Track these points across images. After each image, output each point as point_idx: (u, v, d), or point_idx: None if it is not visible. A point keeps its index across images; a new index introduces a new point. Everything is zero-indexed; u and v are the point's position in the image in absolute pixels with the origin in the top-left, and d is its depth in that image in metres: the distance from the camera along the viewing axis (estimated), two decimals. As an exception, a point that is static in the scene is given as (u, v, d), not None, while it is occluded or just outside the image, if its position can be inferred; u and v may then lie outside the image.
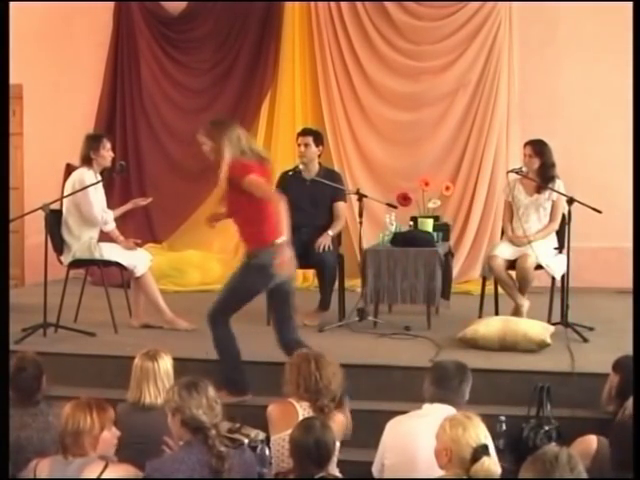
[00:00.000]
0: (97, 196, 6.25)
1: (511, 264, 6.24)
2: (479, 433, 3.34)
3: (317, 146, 6.63)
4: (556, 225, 6.32)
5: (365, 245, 6.58)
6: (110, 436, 3.62)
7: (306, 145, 6.57)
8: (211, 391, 3.69)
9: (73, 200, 6.17)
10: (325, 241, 6.38)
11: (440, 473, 3.44)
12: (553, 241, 6.37)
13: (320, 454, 3.50)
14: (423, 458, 3.69)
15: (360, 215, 6.47)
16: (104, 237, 6.38)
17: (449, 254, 6.96)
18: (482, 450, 3.29)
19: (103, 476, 3.45)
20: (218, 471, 3.50)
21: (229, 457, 3.54)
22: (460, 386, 3.99)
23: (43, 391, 4.19)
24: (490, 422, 3.63)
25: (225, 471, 3.51)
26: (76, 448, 3.53)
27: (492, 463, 3.32)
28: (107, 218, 6.27)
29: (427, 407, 3.96)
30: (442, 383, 3.97)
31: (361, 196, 6.50)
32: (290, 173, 6.61)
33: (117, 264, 6.25)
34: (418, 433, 3.79)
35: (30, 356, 4.30)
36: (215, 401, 3.67)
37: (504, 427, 4.47)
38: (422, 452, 3.71)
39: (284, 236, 4.75)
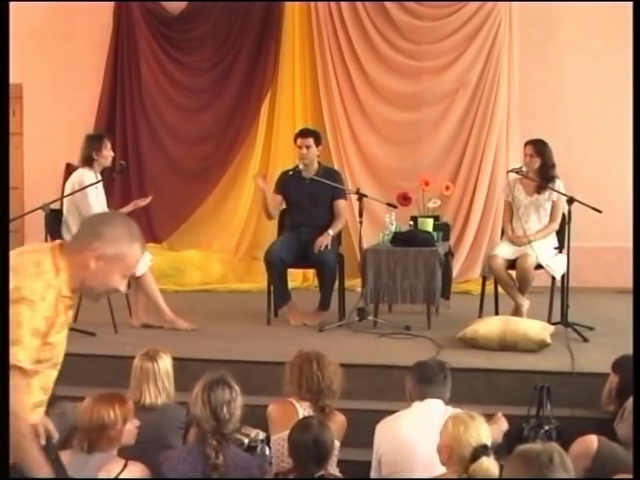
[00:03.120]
0: (97, 197, 6.25)
1: (511, 264, 6.23)
2: (480, 433, 3.34)
3: (317, 146, 6.63)
4: (556, 225, 6.32)
5: (365, 245, 6.57)
6: (132, 427, 3.67)
7: (307, 147, 6.56)
8: (227, 396, 3.67)
9: (73, 201, 6.17)
10: (325, 241, 6.37)
11: (441, 469, 3.44)
12: (553, 241, 6.37)
13: (319, 452, 3.51)
14: (420, 454, 3.70)
15: (360, 215, 6.46)
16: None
17: (449, 254, 6.96)
18: (482, 450, 3.29)
19: (122, 475, 3.47)
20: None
21: (226, 467, 3.55)
22: (445, 381, 4.01)
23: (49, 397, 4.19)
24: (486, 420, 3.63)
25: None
26: (100, 442, 3.56)
27: (491, 464, 3.32)
28: None
29: (417, 404, 3.96)
30: (428, 379, 3.99)
31: (361, 196, 6.49)
32: (290, 173, 6.60)
33: (117, 264, 6.23)
34: (413, 430, 3.80)
35: None
36: (228, 409, 3.65)
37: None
38: (418, 447, 3.72)
39: None
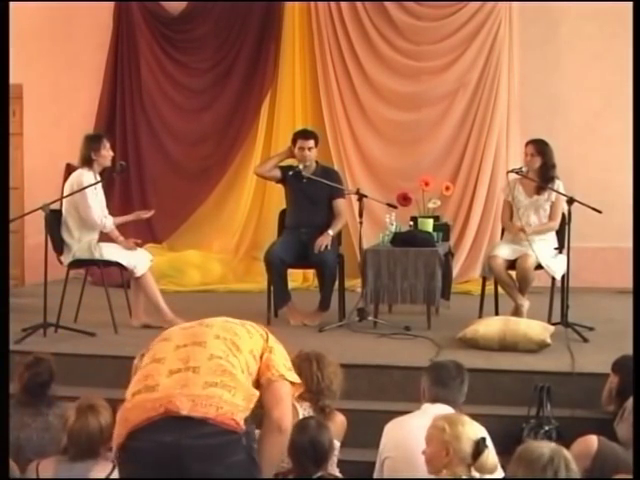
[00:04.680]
0: (97, 198, 6.25)
1: (511, 264, 6.23)
2: (475, 428, 3.37)
3: (316, 147, 6.64)
4: (556, 224, 6.30)
5: (365, 245, 6.56)
6: None
7: (309, 148, 6.55)
8: None
9: (72, 202, 6.16)
10: (325, 241, 6.37)
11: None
12: (553, 241, 6.36)
13: (316, 454, 3.50)
14: (423, 461, 3.69)
15: (360, 215, 6.46)
16: (104, 237, 6.38)
17: (449, 254, 6.96)
18: (483, 442, 3.31)
19: (112, 476, 3.45)
20: None
21: None
22: (461, 386, 3.99)
23: (49, 397, 4.21)
24: (490, 422, 3.63)
25: None
26: (85, 449, 3.53)
27: (493, 455, 3.34)
28: (106, 222, 6.24)
29: (427, 407, 3.95)
30: (444, 383, 3.96)
31: (361, 196, 6.49)
32: (290, 173, 6.59)
33: (117, 264, 6.24)
34: (420, 432, 3.77)
35: (46, 362, 4.31)
36: None
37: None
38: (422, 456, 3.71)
39: None
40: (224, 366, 3.02)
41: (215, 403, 2.90)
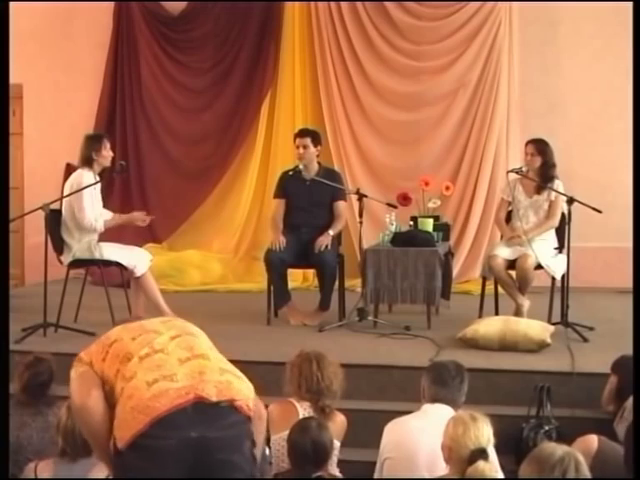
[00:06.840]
0: (94, 198, 6.24)
1: (511, 264, 6.23)
2: (479, 435, 3.28)
3: (315, 146, 6.62)
4: (554, 221, 6.29)
5: (365, 245, 6.57)
6: None
7: (305, 146, 6.56)
8: None
9: (70, 202, 6.16)
10: (325, 241, 6.37)
11: (443, 469, 3.43)
12: (553, 241, 6.36)
13: (316, 454, 3.50)
14: (424, 458, 3.69)
15: (360, 215, 6.46)
16: (104, 237, 6.38)
17: (449, 254, 6.96)
18: (479, 454, 3.23)
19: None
20: None
21: None
22: (461, 385, 3.99)
23: (49, 397, 4.21)
24: (490, 422, 3.63)
25: None
26: (82, 448, 3.52)
27: (487, 467, 3.24)
28: (97, 226, 6.20)
29: (428, 407, 3.95)
30: (444, 383, 3.96)
31: (361, 196, 6.49)
32: (290, 173, 6.61)
33: (117, 264, 6.24)
34: (420, 433, 3.78)
35: (46, 362, 4.31)
36: None
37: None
38: (423, 452, 3.70)
39: None
40: (221, 355, 3.02)
41: (234, 388, 2.88)
